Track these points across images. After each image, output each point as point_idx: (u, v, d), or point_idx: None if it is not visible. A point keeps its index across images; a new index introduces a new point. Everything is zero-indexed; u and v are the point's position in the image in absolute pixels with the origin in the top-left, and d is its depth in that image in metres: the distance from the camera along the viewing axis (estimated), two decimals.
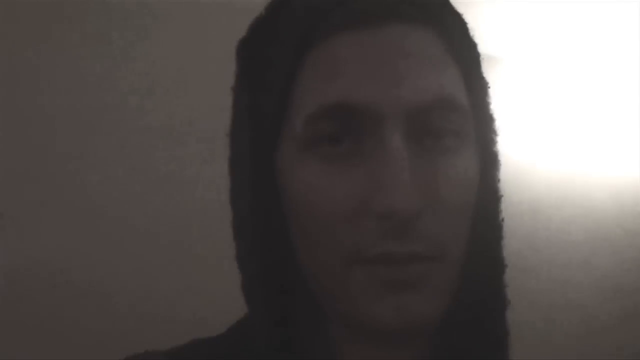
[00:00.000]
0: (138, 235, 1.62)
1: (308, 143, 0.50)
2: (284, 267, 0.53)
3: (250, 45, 0.55)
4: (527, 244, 1.98)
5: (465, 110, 0.51)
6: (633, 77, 2.07)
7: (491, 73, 2.02)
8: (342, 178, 0.49)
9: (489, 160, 0.55)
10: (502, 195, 0.55)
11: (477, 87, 0.55)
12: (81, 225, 1.58)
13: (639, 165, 2.08)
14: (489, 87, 0.56)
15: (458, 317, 0.53)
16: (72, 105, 1.59)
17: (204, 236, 1.61)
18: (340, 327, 0.53)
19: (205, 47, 1.63)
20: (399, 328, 0.49)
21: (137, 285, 1.61)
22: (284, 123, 0.52)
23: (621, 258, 2.06)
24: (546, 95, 2.15)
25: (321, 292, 0.52)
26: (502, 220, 0.55)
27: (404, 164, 0.47)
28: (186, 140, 1.66)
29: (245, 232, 0.54)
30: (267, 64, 0.53)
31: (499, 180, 0.55)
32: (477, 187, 0.53)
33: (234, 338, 0.59)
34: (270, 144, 0.53)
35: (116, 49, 1.62)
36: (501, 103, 2.11)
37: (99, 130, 1.62)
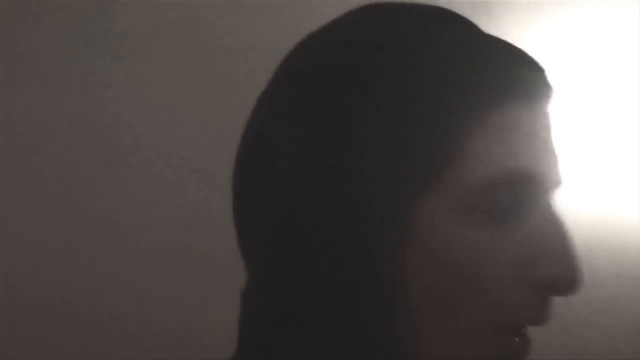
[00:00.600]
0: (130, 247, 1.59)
1: (472, 204, 0.47)
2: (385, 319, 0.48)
3: (422, 74, 0.48)
4: None
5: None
6: None
7: None
8: (500, 242, 0.47)
9: None
10: None
11: None
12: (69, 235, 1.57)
13: None
14: None
15: None
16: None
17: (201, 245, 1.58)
18: None
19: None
20: None
21: (128, 295, 1.59)
22: (438, 177, 0.47)
23: None
24: (567, 122, 2.12)
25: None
26: None
27: (566, 232, 0.47)
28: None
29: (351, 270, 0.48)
30: (424, 103, 0.47)
31: None
32: None
33: None
34: (411, 190, 0.47)
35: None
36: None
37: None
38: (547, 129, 0.50)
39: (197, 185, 1.61)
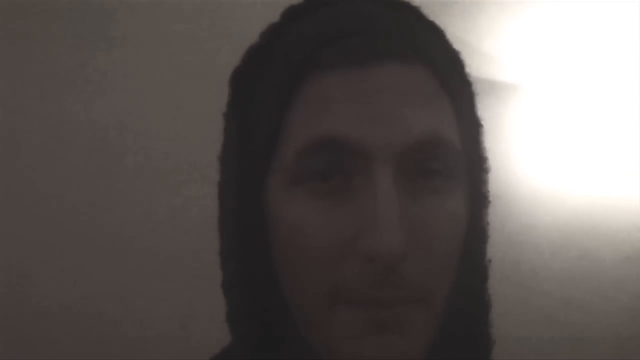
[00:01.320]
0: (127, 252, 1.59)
1: (297, 177, 0.50)
2: (268, 297, 0.53)
3: (243, 73, 0.55)
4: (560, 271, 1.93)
5: (457, 150, 0.51)
6: None
7: (511, 101, 1.96)
8: (330, 215, 0.49)
9: (478, 201, 0.55)
10: (489, 237, 0.56)
11: (469, 126, 0.55)
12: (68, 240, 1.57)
13: None
14: (482, 127, 0.56)
15: (442, 355, 0.54)
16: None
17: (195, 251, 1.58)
18: None
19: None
20: None
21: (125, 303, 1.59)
22: (274, 154, 0.51)
23: None
24: (568, 123, 2.11)
25: (306, 326, 0.52)
26: (489, 261, 0.56)
27: (392, 205, 0.47)
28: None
29: (230, 259, 0.54)
30: (259, 94, 0.53)
31: (487, 221, 0.56)
32: (466, 228, 0.53)
33: None
34: (259, 173, 0.52)
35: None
36: (522, 131, 2.06)
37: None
38: (388, 93, 0.49)
39: (198, 186, 1.61)
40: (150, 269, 1.60)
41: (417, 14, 0.55)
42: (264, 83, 0.52)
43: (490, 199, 0.56)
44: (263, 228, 0.52)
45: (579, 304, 1.83)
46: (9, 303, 1.54)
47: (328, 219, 0.48)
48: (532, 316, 1.76)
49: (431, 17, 0.57)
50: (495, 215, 0.57)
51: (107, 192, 1.60)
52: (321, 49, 0.50)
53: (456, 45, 0.57)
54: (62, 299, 1.56)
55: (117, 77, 1.61)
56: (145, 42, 1.61)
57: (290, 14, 0.54)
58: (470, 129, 0.55)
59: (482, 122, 0.56)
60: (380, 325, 0.48)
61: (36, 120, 1.59)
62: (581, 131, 2.12)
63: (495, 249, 0.58)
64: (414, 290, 0.49)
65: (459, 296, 0.53)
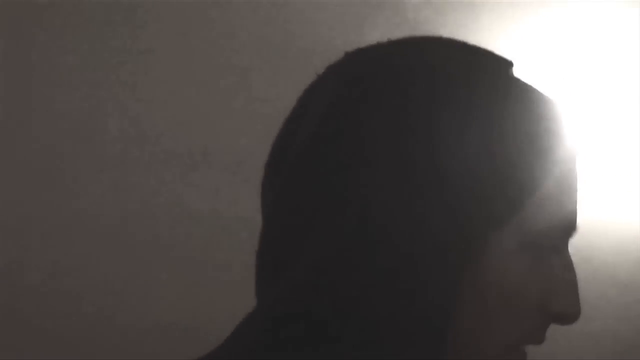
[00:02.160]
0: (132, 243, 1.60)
1: (534, 243, 0.54)
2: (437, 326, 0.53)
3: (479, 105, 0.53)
4: None
5: None
6: None
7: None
8: (535, 275, 0.55)
9: None
10: None
11: None
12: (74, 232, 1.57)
13: None
14: None
15: None
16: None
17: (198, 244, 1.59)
18: None
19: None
20: None
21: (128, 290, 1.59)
22: (518, 212, 0.53)
23: None
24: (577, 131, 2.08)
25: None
26: None
27: (577, 280, 0.56)
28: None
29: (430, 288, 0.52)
30: (528, 147, 0.54)
31: None
32: None
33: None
34: (484, 227, 0.53)
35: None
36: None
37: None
38: (577, 181, 0.57)
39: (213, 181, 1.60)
40: (151, 260, 1.60)
41: None
42: (520, 132, 0.53)
43: None
44: (467, 267, 0.53)
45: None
46: (7, 294, 1.54)
47: (534, 278, 0.54)
48: None
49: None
50: None
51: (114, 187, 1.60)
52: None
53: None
54: (61, 290, 1.56)
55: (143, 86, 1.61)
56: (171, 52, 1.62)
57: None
58: None
59: None
60: None
61: (53, 119, 1.61)
62: (588, 140, 2.09)
63: None
64: None
65: None
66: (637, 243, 1.91)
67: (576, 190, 0.56)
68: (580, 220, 0.57)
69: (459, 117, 0.52)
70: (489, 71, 0.55)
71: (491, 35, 1.80)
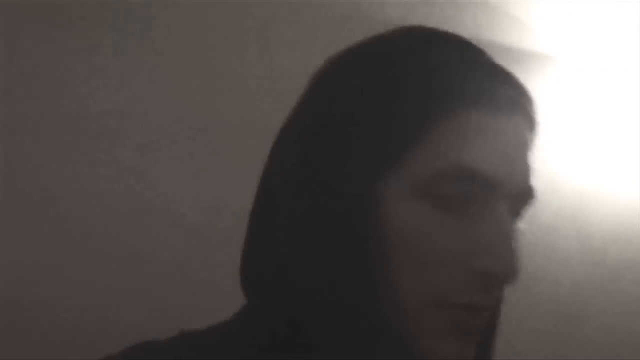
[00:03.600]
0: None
1: (428, 190, 0.55)
2: (366, 289, 0.56)
3: (381, 67, 0.58)
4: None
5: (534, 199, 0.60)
6: None
7: (545, 73, 1.87)
8: (450, 229, 0.56)
9: None
10: None
11: None
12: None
13: None
14: None
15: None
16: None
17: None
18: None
19: None
20: None
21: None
22: (402, 158, 0.56)
23: None
24: (603, 99, 2.02)
25: (399, 321, 0.56)
26: None
27: (511, 233, 0.56)
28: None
29: (330, 249, 0.57)
30: (403, 99, 0.57)
31: None
32: None
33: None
34: (379, 172, 0.56)
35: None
36: (554, 105, 1.93)
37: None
38: (515, 141, 0.58)
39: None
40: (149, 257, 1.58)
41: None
42: (411, 89, 0.57)
43: None
44: (370, 225, 0.56)
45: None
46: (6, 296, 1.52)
47: (448, 232, 0.55)
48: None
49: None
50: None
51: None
52: (492, 90, 0.57)
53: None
54: (59, 290, 1.54)
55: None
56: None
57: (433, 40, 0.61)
58: None
59: None
60: (462, 332, 0.56)
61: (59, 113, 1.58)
62: (617, 111, 2.02)
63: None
64: (495, 300, 0.59)
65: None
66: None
67: (485, 143, 0.56)
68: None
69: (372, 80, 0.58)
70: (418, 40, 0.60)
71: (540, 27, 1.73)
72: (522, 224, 0.61)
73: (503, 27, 1.74)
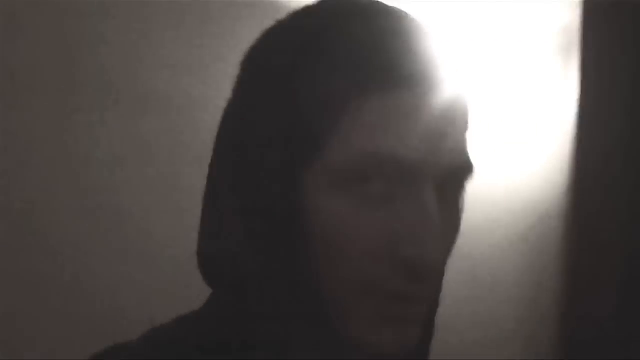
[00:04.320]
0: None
1: (342, 180, 0.54)
2: (297, 281, 0.56)
3: (290, 57, 0.56)
4: None
5: (474, 172, 0.58)
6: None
7: None
8: (372, 216, 0.54)
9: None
10: None
11: None
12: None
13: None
14: None
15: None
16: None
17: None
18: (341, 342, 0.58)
19: None
20: (394, 355, 0.56)
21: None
22: (318, 150, 0.54)
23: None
24: None
25: (328, 307, 0.56)
26: None
27: (436, 219, 0.53)
28: None
29: (259, 240, 0.57)
30: (310, 90, 0.55)
31: None
32: None
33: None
34: (301, 163, 0.55)
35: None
36: None
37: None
38: (433, 118, 0.54)
39: None
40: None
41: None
42: (322, 78, 0.54)
43: None
44: (296, 216, 0.55)
45: None
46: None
47: (369, 219, 0.54)
48: None
49: None
50: None
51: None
52: (383, 70, 0.53)
53: None
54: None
55: None
56: None
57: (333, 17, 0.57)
58: None
59: None
60: (398, 320, 0.55)
61: None
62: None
63: None
64: (431, 289, 0.57)
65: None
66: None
67: (399, 124, 0.53)
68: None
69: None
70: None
71: None
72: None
73: None
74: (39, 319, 1.50)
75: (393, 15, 0.56)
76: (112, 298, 1.50)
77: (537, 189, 1.92)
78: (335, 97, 0.54)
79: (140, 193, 1.51)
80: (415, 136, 0.53)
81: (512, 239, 1.88)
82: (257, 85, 0.58)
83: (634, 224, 1.77)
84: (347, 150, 0.53)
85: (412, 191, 0.54)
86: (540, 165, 1.92)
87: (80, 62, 1.41)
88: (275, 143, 0.56)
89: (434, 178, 0.54)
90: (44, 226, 1.43)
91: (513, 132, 1.87)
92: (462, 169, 0.56)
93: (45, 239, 1.43)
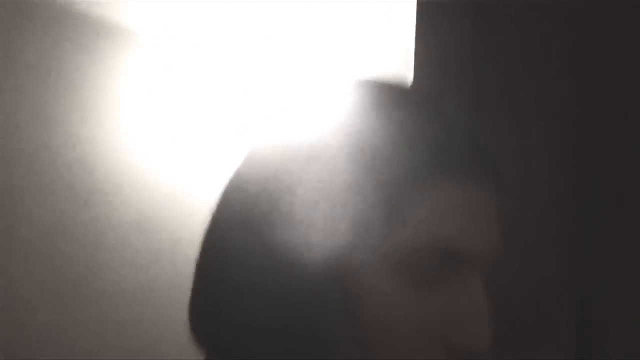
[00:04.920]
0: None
1: (403, 266, 0.53)
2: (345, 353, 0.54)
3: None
4: None
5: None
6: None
7: (126, 49, 1.80)
8: (424, 303, 0.54)
9: None
10: None
11: None
12: None
13: None
14: None
15: None
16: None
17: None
18: None
19: None
20: None
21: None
22: (380, 239, 0.54)
23: None
24: (185, 81, 1.89)
25: None
26: None
27: (486, 310, 0.55)
28: None
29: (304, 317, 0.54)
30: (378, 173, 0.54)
31: None
32: None
33: None
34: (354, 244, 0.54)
35: None
36: (135, 85, 1.80)
37: None
38: (483, 210, 0.56)
39: None
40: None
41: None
42: (388, 159, 0.54)
43: None
44: (342, 295, 0.54)
45: None
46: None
47: (423, 306, 0.54)
48: None
49: None
50: None
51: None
52: (449, 161, 0.55)
53: None
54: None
55: None
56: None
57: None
58: None
59: None
60: None
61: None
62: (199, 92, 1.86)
63: None
64: None
65: None
66: None
67: (458, 213, 0.54)
68: None
69: None
70: None
71: None
72: None
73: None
74: None
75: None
76: None
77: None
78: (404, 182, 0.54)
79: None
80: (462, 225, 0.54)
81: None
82: None
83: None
84: (402, 235, 0.53)
85: (465, 279, 0.55)
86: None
87: None
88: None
89: (484, 269, 0.56)
90: None
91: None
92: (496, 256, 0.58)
93: None
